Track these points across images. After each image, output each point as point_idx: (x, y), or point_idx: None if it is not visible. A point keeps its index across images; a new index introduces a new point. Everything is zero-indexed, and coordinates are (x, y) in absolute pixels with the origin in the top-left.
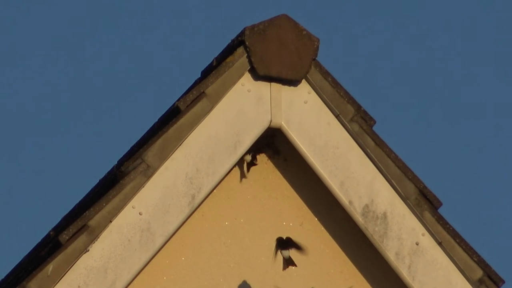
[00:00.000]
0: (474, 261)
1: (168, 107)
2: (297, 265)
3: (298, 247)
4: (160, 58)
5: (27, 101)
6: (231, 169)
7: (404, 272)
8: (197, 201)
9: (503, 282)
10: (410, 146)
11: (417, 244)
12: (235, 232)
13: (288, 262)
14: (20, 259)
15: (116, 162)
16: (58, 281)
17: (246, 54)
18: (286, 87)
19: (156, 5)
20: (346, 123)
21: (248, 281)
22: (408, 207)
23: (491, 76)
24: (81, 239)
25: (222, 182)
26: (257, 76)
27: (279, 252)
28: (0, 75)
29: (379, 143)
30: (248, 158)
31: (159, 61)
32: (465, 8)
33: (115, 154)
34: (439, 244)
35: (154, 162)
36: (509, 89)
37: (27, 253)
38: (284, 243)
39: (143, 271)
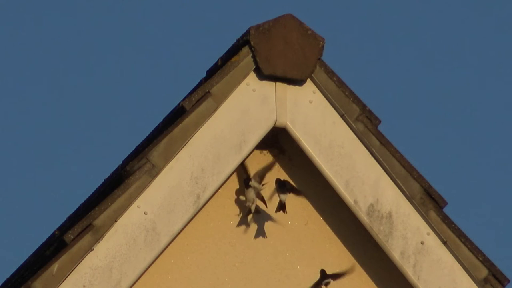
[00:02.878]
0: (479, 260)
1: (173, 106)
2: (286, 212)
3: (296, 191)
4: (165, 58)
5: (31, 100)
6: (236, 168)
7: (409, 271)
8: (202, 200)
9: (508, 281)
10: (415, 146)
11: (422, 243)
12: (240, 232)
13: (282, 207)
14: (25, 259)
15: (121, 162)
16: (63, 281)
17: (251, 54)
18: (291, 87)
19: (162, 5)
20: (351, 122)
21: (253, 281)
22: (413, 207)
23: (496, 76)
24: (86, 238)
25: (227, 181)
26: (262, 75)
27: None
28: (6, 75)
29: (384, 142)
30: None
31: (164, 60)
32: (470, 8)
33: (120, 153)
34: (444, 243)
35: (159, 161)
36: None
37: (32, 252)
38: (283, 186)
39: (148, 270)
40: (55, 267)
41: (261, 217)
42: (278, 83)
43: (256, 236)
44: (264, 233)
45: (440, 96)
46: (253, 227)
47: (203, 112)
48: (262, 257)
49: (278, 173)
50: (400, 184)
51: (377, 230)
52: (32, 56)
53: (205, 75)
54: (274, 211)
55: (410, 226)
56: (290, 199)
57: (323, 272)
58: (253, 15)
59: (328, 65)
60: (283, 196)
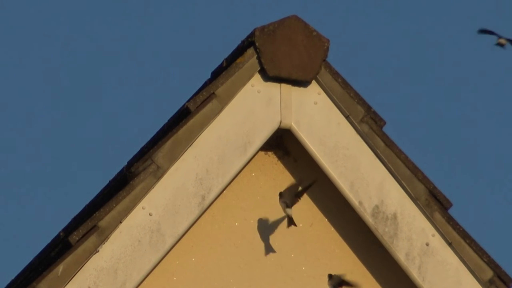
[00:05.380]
0: (484, 261)
1: (178, 108)
2: (296, 225)
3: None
4: (170, 59)
5: (36, 100)
6: (241, 170)
7: (414, 272)
8: (207, 202)
9: None
10: (420, 147)
11: (427, 244)
12: (245, 233)
13: (290, 222)
14: (30, 260)
15: (126, 163)
16: (68, 282)
17: (256, 55)
18: (296, 88)
19: (167, 6)
20: (356, 124)
21: (258, 282)
22: (418, 208)
23: (503, 76)
24: (91, 240)
25: (232, 183)
26: (267, 77)
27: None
28: (14, 77)
29: (389, 144)
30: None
31: (169, 62)
32: (476, 9)
33: (125, 155)
34: (449, 244)
35: (164, 163)
36: None
37: (37, 253)
38: (292, 201)
39: (153, 272)
40: (60, 268)
41: (266, 218)
42: (283, 85)
43: (261, 237)
44: (269, 234)
45: (445, 97)
46: (258, 228)
47: (208, 113)
48: (267, 258)
49: (283, 174)
50: (405, 185)
51: (382, 231)
52: (37, 59)
53: (210, 77)
54: (286, 227)
55: (415, 228)
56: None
57: (330, 276)
58: (258, 17)
59: (333, 67)
60: (289, 211)
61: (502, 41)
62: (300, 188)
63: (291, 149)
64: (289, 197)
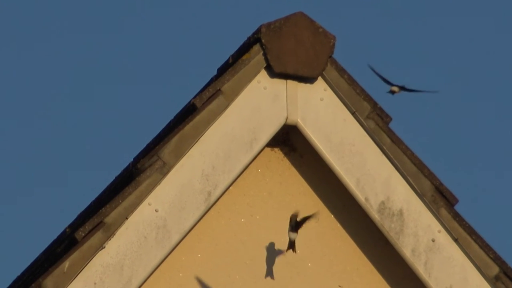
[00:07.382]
0: (490, 257)
1: (184, 104)
2: (295, 251)
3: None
4: (176, 56)
5: (43, 96)
6: (247, 166)
7: (420, 269)
8: (213, 198)
9: None
10: (426, 143)
11: (433, 241)
12: (251, 229)
13: (291, 246)
14: (36, 256)
15: (132, 159)
16: (74, 278)
17: (262, 52)
18: (302, 84)
19: (173, 3)
20: (362, 120)
21: (264, 278)
22: (424, 204)
23: (505, 74)
24: (97, 236)
25: (238, 179)
26: (273, 73)
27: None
28: (18, 72)
29: (395, 140)
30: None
31: (175, 58)
32: (478, 8)
33: (131, 151)
34: (455, 240)
35: (170, 159)
36: None
37: (43, 250)
38: (295, 226)
39: (159, 268)
40: (66, 264)
41: (272, 214)
42: (289, 81)
43: (267, 233)
44: (275, 230)
45: (451, 93)
46: (264, 225)
47: (214, 109)
48: (273, 255)
49: (289, 170)
50: (411, 181)
51: (388, 227)
52: (45, 55)
53: (216, 73)
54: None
55: (421, 224)
56: (301, 197)
57: None
58: (264, 13)
59: (339, 63)
60: (292, 235)
61: (395, 89)
62: (304, 216)
63: (297, 145)
64: (296, 222)
